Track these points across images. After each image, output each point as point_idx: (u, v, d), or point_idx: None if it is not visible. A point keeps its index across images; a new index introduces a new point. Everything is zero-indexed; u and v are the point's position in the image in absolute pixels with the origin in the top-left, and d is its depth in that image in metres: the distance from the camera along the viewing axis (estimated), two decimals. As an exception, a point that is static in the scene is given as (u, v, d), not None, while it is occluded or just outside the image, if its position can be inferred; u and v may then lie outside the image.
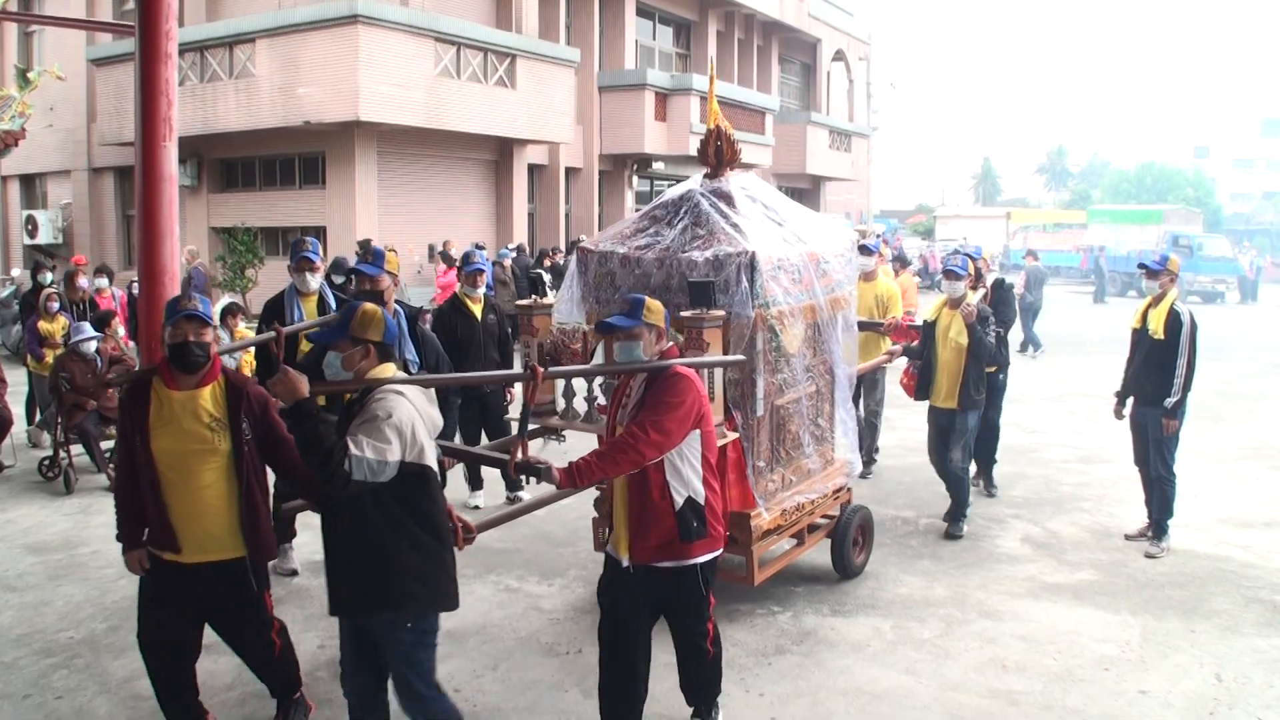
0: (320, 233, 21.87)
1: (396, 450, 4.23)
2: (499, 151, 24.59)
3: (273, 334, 6.04)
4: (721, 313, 6.13)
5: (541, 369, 4.72)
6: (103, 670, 6.07)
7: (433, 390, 4.76)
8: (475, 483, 9.54)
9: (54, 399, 10.40)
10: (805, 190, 41.49)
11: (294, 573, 7.64)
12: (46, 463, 10.44)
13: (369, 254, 6.80)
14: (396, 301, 6.93)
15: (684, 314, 5.99)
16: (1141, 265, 8.77)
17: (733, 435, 6.27)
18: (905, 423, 11.93)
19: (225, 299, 17.71)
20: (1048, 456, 11.68)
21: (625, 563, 5.01)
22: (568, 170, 27.54)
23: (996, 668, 6.17)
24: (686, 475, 4.93)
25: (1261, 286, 39.91)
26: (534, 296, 7.19)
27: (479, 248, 21.18)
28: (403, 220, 22.11)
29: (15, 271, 23.62)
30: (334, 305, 7.65)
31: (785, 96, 40.10)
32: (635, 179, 30.17)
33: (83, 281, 13.13)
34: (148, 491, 4.78)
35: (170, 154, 11.94)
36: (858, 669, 6.12)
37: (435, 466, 4.53)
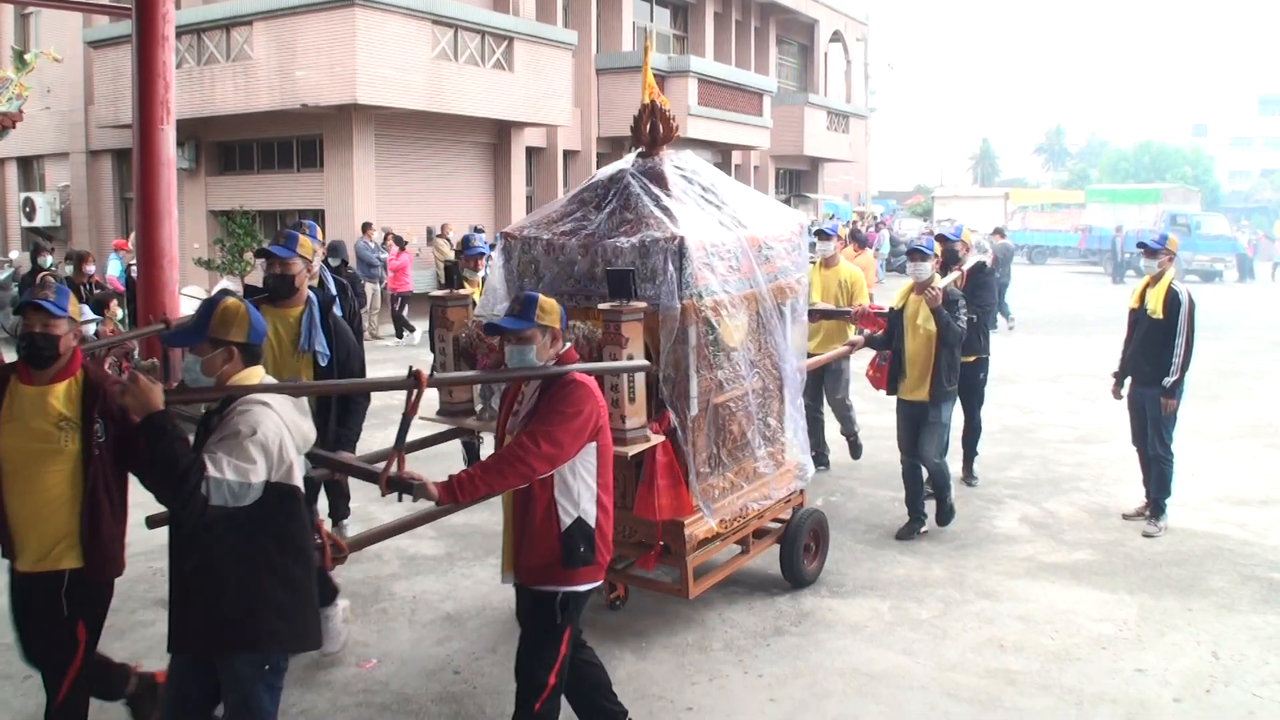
0: (318, 215, 21.83)
1: (261, 470, 3.77)
2: (497, 134, 24.54)
3: (161, 325, 5.79)
4: (643, 305, 5.60)
5: (426, 375, 4.29)
6: (103, 651, 6.06)
7: (304, 399, 4.31)
8: (338, 514, 8.05)
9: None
10: (803, 172, 41.46)
11: None
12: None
13: (282, 236, 6.20)
14: (311, 287, 6.26)
15: (601, 307, 5.52)
16: (1140, 244, 8.78)
17: (658, 438, 5.69)
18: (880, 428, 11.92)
19: (223, 282, 17.73)
20: (1045, 437, 11.69)
21: (509, 581, 4.65)
22: (566, 153, 27.50)
23: (994, 647, 6.20)
24: (577, 493, 4.44)
25: (1259, 264, 39.91)
26: (449, 287, 6.59)
27: (478, 230, 21.18)
28: (401, 203, 22.09)
29: (14, 254, 23.60)
30: (333, 288, 7.65)
31: (783, 78, 40.02)
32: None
33: (90, 268, 13.13)
34: None
35: (168, 137, 11.98)
36: (856, 649, 6.15)
37: (302, 486, 4.04)
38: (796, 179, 41.56)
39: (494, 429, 5.49)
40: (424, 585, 7.20)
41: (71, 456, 4.35)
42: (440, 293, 6.61)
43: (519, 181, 25.13)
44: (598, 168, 28.47)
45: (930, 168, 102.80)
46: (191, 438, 3.92)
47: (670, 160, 6.60)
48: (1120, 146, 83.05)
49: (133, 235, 13.66)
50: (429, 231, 21.73)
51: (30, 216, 26.01)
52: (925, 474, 8.31)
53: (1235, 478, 9.97)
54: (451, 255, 20.61)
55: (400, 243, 19.93)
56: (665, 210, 6.06)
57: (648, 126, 6.59)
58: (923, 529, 8.24)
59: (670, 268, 5.74)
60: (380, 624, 6.51)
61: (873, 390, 8.95)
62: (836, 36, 43.48)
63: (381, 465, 4.53)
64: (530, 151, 26.18)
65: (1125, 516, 8.62)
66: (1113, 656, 6.08)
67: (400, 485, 4.36)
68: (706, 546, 6.30)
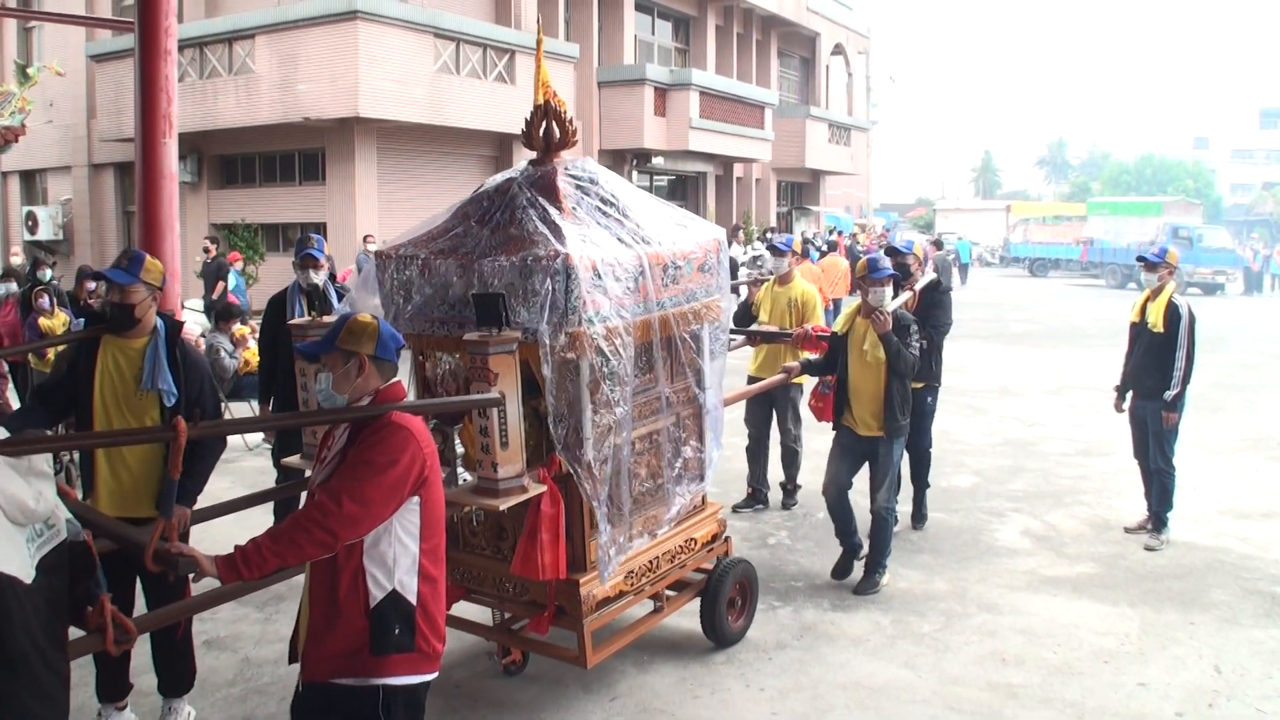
0: (320, 229, 21.83)
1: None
2: (498, 147, 24.57)
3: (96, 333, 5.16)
4: (516, 334, 4.80)
5: (186, 424, 3.57)
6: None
7: (40, 456, 3.27)
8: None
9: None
10: (805, 184, 41.52)
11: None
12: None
13: (125, 257, 5.28)
14: (159, 315, 5.35)
15: (468, 337, 4.75)
16: (1140, 258, 8.79)
17: (539, 488, 4.95)
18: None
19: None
20: (1047, 450, 11.68)
21: (297, 680, 3.78)
22: (567, 165, 27.52)
23: (996, 661, 6.19)
24: (392, 561, 3.64)
25: (1266, 277, 39.80)
26: (312, 314, 5.90)
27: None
28: (402, 216, 22.06)
29: (14, 261, 23.60)
30: (336, 302, 7.68)
31: (784, 91, 40.09)
32: (635, 174, 30.15)
33: (91, 284, 13.13)
34: None
35: (170, 150, 11.98)
36: (857, 663, 6.14)
37: (18, 572, 2.99)
38: (798, 191, 41.61)
39: None
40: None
41: None
42: (300, 321, 5.91)
43: (521, 194, 25.12)
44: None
45: (932, 180, 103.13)
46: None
47: (564, 169, 5.82)
48: (1122, 159, 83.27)
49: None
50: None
51: (33, 230, 26.04)
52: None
53: (1237, 491, 9.95)
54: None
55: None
56: (553, 225, 5.22)
57: (540, 130, 5.84)
58: (859, 560, 7.56)
59: (553, 289, 4.90)
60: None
61: (829, 422, 8.37)
62: (838, 49, 43.56)
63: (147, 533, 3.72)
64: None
65: (1127, 530, 8.61)
66: (1114, 670, 6.07)
67: (166, 560, 3.59)
68: (609, 606, 5.50)
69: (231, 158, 23.68)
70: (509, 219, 5.40)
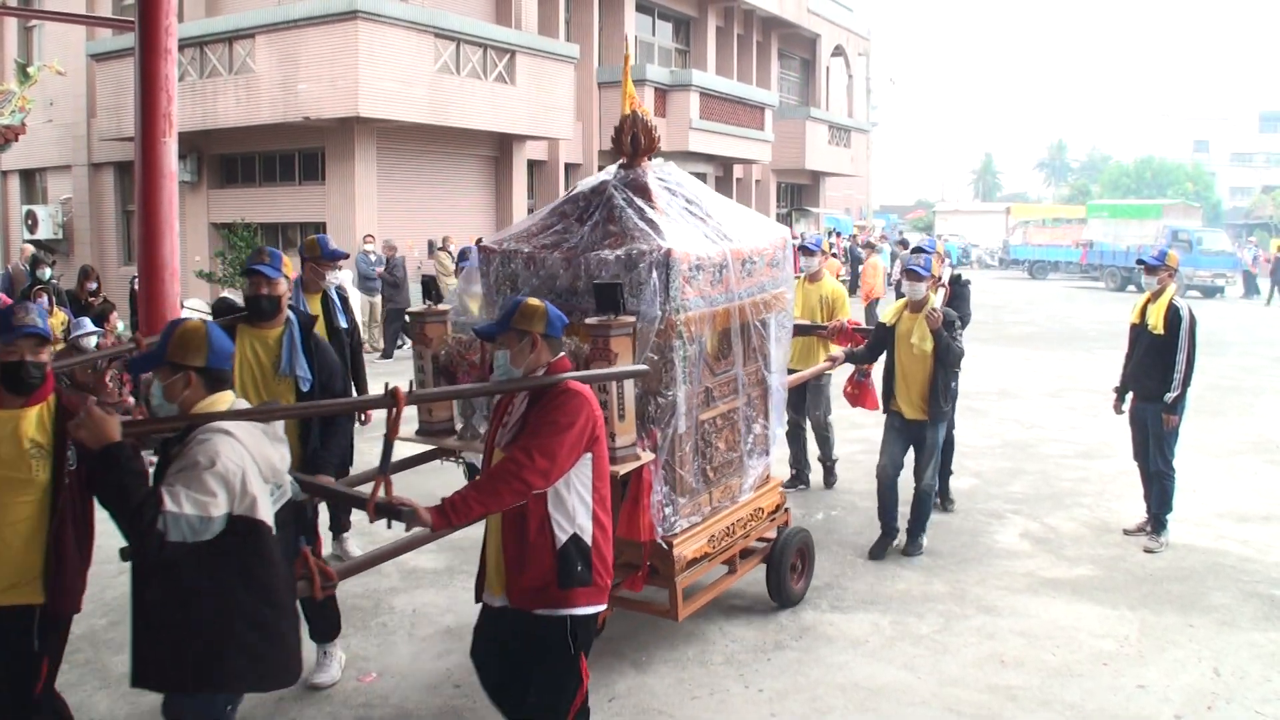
0: (320, 229, 21.82)
1: (222, 503, 3.61)
2: (499, 147, 24.57)
3: (132, 345, 5.54)
4: (632, 319, 5.40)
5: (404, 393, 4.09)
6: (103, 665, 6.08)
7: (278, 425, 4.05)
8: (338, 527, 8.12)
9: (54, 395, 10.40)
10: (805, 186, 41.52)
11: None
12: (47, 458, 10.43)
13: (266, 255, 5.83)
14: (290, 308, 5.94)
15: (589, 320, 5.31)
16: (1140, 261, 8.79)
17: (649, 456, 5.51)
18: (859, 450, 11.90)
19: (222, 294, 17.73)
20: (1046, 452, 11.68)
21: (499, 603, 4.37)
22: (567, 166, 27.51)
23: (995, 663, 6.18)
24: (572, 508, 4.23)
25: (1262, 280, 39.74)
26: (427, 301, 6.37)
27: (480, 244, 21.15)
28: (402, 216, 22.10)
29: (14, 264, 23.60)
30: (339, 303, 7.67)
31: (785, 92, 40.08)
32: (635, 174, 30.16)
33: (92, 284, 13.14)
34: None
35: (170, 150, 11.95)
36: (856, 664, 6.13)
37: (270, 520, 3.84)
38: (798, 193, 41.61)
39: (474, 448, 5.64)
40: (424, 599, 7.18)
41: (40, 486, 4.13)
42: (418, 308, 6.38)
43: (520, 195, 25.15)
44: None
45: (932, 182, 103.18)
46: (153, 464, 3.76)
47: (653, 172, 6.42)
48: (1122, 162, 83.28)
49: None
50: (430, 244, 21.73)
51: (32, 229, 26.01)
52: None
53: (1237, 494, 9.95)
54: (452, 268, 20.64)
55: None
56: (650, 222, 5.91)
57: (629, 137, 6.40)
58: (894, 542, 8.18)
59: (654, 280, 5.57)
60: (380, 637, 6.50)
61: (866, 408, 8.87)
62: (838, 51, 43.56)
63: (368, 489, 4.31)
64: (532, 164, 26.21)
65: (1126, 532, 8.61)
66: (1114, 673, 6.06)
67: (389, 511, 4.13)
68: (695, 567, 6.06)
69: (231, 157, 23.67)
70: (608, 216, 6.06)
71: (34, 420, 4.14)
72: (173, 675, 3.79)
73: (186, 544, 3.58)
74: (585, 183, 6.55)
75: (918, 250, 9.09)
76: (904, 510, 8.22)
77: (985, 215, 66.73)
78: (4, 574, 4.10)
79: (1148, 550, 8.19)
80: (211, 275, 20.68)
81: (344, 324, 7.65)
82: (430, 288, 6.46)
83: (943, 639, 6.52)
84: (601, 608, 4.36)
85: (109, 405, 10.13)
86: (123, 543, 3.72)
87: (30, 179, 28.22)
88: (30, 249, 18.01)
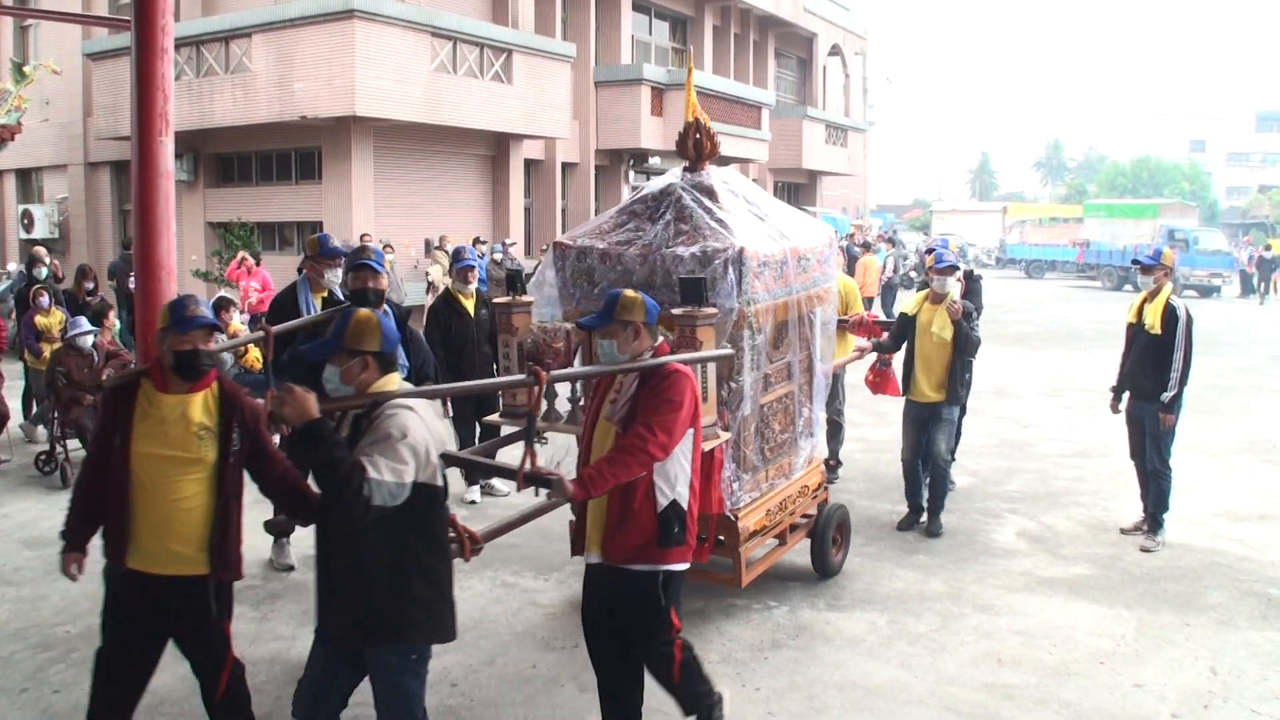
0: (317, 228, 21.79)
1: (412, 471, 4.00)
2: (495, 146, 24.56)
3: (261, 334, 5.85)
4: (715, 310, 5.90)
5: (545, 372, 4.58)
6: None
7: (437, 403, 4.53)
8: (473, 477, 9.38)
9: (49, 393, 10.39)
10: (802, 185, 41.50)
11: (290, 568, 7.63)
12: (43, 457, 10.44)
13: (369, 252, 6.45)
14: (385, 300, 6.58)
15: (675, 311, 5.78)
16: (1135, 261, 8.80)
17: (726, 435, 6.07)
18: (899, 417, 11.89)
19: (219, 293, 17.71)
20: (1043, 451, 11.69)
21: (595, 559, 4.88)
22: (564, 165, 27.51)
23: (992, 662, 6.19)
24: (674, 477, 4.75)
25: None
26: (511, 294, 6.89)
27: (479, 242, 21.23)
28: (399, 215, 22.08)
29: (11, 266, 23.53)
30: (343, 300, 7.67)
31: (781, 91, 40.08)
32: (632, 174, 30.14)
33: (89, 283, 13.11)
34: (115, 495, 4.43)
35: (166, 149, 11.92)
36: (853, 663, 6.14)
37: (444, 486, 4.30)
38: (795, 192, 41.59)
39: (556, 428, 6.21)
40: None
41: (208, 466, 4.44)
42: (503, 300, 6.86)
43: (517, 194, 25.14)
44: (596, 180, 28.46)
45: (928, 181, 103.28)
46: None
47: (716, 175, 6.95)
48: (1118, 161, 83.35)
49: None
50: (427, 243, 21.72)
51: (28, 228, 25.98)
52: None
53: (1233, 493, 9.97)
54: (448, 267, 20.59)
55: (256, 258, 19.08)
56: (720, 221, 6.46)
57: (693, 142, 6.90)
58: (920, 522, 8.76)
59: (730, 275, 6.13)
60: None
61: (870, 405, 9.00)
62: (835, 50, 43.57)
63: (514, 462, 4.76)
64: (529, 164, 26.20)
65: (1123, 531, 8.62)
66: (1111, 672, 6.07)
67: (538, 480, 4.58)
68: (755, 539, 6.65)
69: (228, 156, 23.64)
70: (679, 215, 6.60)
71: (200, 404, 4.45)
72: (362, 631, 4.16)
73: (382, 508, 3.93)
74: (652, 185, 7.08)
75: (930, 251, 9.81)
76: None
77: (982, 214, 66.80)
78: (176, 546, 4.43)
79: (1144, 549, 8.21)
80: (208, 274, 20.66)
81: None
82: (515, 281, 6.96)
83: (940, 638, 6.53)
84: (688, 565, 4.89)
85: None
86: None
87: (26, 178, 28.19)
88: (42, 250, 17.98)
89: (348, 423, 4.22)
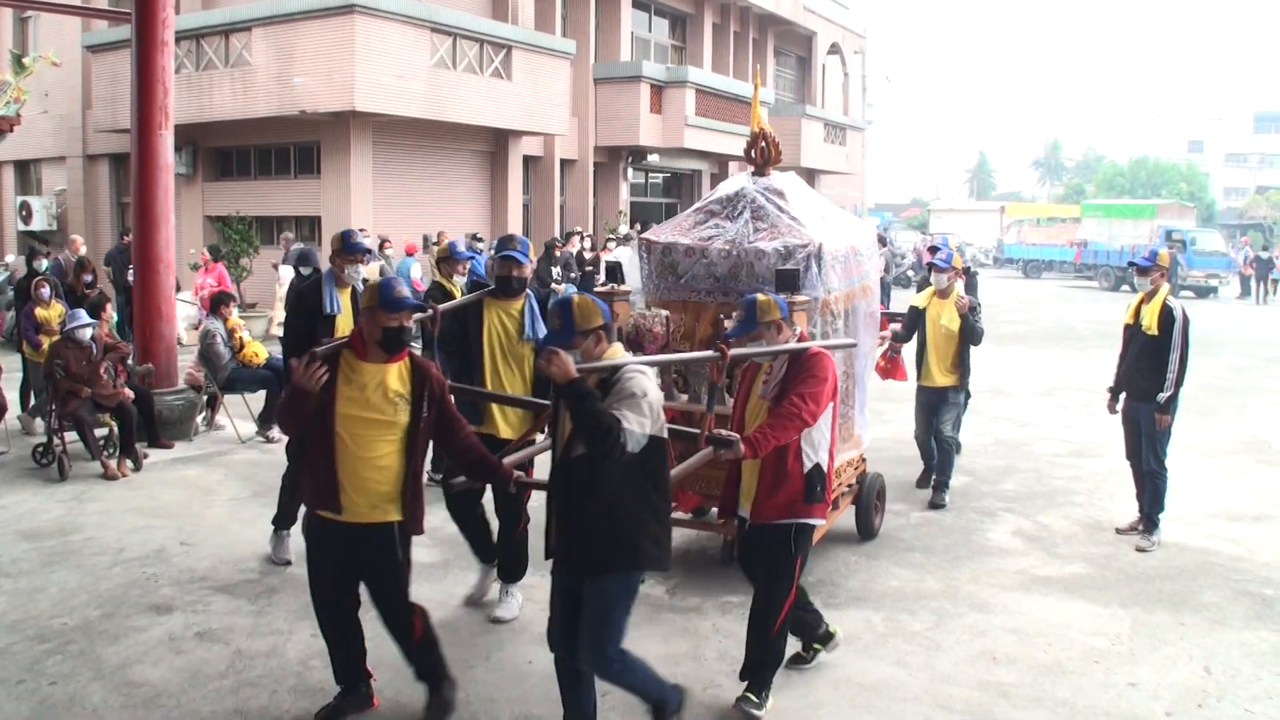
0: (315, 222, 21.85)
1: (649, 424, 4.63)
2: (494, 143, 24.57)
3: (429, 312, 6.31)
4: (807, 298, 6.74)
5: (729, 349, 5.46)
6: (96, 657, 6.08)
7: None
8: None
9: (47, 386, 10.39)
10: (800, 183, 41.42)
11: (288, 562, 7.63)
12: (40, 449, 10.44)
13: (514, 240, 6.97)
14: (526, 287, 7.03)
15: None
16: (1131, 263, 8.83)
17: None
18: (898, 416, 11.93)
19: (284, 285, 17.71)
20: (1039, 450, 11.71)
21: (744, 515, 5.59)
22: (563, 162, 27.53)
23: (987, 660, 6.21)
24: (817, 443, 5.46)
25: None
26: (611, 284, 7.78)
27: (477, 239, 21.24)
28: (397, 211, 22.09)
29: (10, 258, 23.52)
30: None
31: (780, 89, 40.11)
32: (630, 171, 30.15)
33: (88, 276, 13.10)
34: (322, 452, 5.02)
35: (166, 142, 11.98)
36: (849, 661, 6.14)
37: (667, 438, 4.93)
38: (793, 191, 41.55)
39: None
40: (418, 593, 7.10)
41: (401, 429, 5.03)
42: (603, 289, 7.64)
43: (516, 190, 25.15)
44: (594, 177, 28.49)
45: (926, 180, 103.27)
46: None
47: (780, 178, 7.79)
48: (1116, 162, 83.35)
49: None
50: (425, 239, 21.74)
51: (26, 220, 25.96)
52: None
53: (1228, 493, 9.99)
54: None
55: (215, 253, 18.96)
56: (795, 219, 7.35)
57: (759, 149, 7.79)
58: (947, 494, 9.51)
59: (814, 268, 7.04)
60: (373, 630, 6.48)
61: (896, 379, 10.07)
62: (834, 49, 43.57)
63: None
64: (527, 160, 26.21)
65: (1119, 531, 8.64)
66: (1105, 670, 6.09)
67: (719, 441, 5.19)
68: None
69: (227, 150, 23.64)
70: (755, 214, 7.44)
71: (395, 374, 5.05)
72: (605, 560, 4.76)
73: (630, 455, 4.57)
74: (723, 187, 7.93)
75: (934, 249, 10.71)
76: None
77: (980, 214, 66.77)
78: (373, 496, 5.04)
79: (1140, 549, 8.22)
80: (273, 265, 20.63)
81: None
82: (615, 271, 7.85)
83: (935, 636, 6.54)
84: (823, 520, 5.69)
85: (103, 394, 10.19)
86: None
87: (25, 170, 28.17)
88: (79, 240, 17.99)
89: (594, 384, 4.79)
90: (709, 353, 5.56)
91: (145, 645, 6.23)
